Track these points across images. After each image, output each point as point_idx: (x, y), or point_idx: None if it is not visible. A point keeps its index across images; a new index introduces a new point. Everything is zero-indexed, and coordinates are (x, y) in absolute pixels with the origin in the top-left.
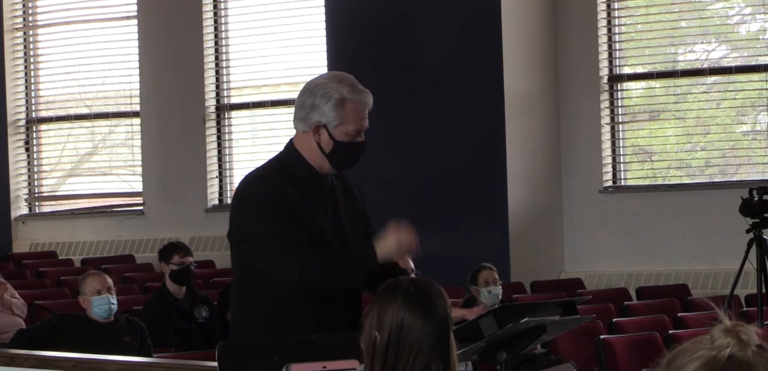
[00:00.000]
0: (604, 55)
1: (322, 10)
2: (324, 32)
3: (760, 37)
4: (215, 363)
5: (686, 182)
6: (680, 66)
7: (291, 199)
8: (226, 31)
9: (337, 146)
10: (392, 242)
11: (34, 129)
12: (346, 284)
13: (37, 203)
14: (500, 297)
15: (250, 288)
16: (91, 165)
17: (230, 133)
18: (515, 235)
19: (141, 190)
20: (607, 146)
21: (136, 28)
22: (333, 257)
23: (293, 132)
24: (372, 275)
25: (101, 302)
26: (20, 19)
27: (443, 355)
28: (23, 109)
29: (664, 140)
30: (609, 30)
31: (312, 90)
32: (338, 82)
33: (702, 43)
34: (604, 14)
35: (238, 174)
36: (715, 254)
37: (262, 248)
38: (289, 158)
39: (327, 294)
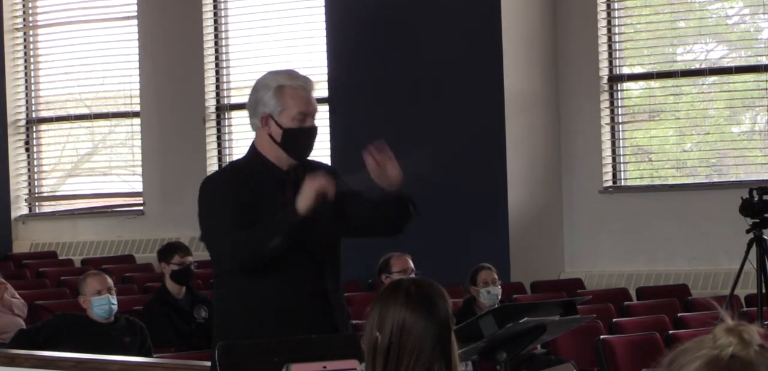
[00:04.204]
0: (604, 55)
1: (322, 10)
2: (324, 32)
3: (759, 37)
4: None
5: (686, 182)
6: (679, 66)
7: (231, 193)
8: (226, 31)
9: (285, 133)
10: (308, 191)
11: (34, 129)
12: (274, 243)
13: (37, 203)
14: (499, 296)
15: (218, 283)
16: (91, 165)
17: (230, 133)
18: (515, 235)
19: (141, 190)
20: (607, 146)
21: (136, 28)
22: (256, 227)
23: None
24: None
25: (101, 302)
26: (20, 19)
27: (445, 356)
28: (23, 109)
29: (663, 140)
30: (609, 30)
31: (255, 87)
32: (276, 73)
33: (701, 43)
34: (604, 14)
35: None
36: (715, 254)
37: (207, 243)
38: (247, 158)
39: (288, 292)
